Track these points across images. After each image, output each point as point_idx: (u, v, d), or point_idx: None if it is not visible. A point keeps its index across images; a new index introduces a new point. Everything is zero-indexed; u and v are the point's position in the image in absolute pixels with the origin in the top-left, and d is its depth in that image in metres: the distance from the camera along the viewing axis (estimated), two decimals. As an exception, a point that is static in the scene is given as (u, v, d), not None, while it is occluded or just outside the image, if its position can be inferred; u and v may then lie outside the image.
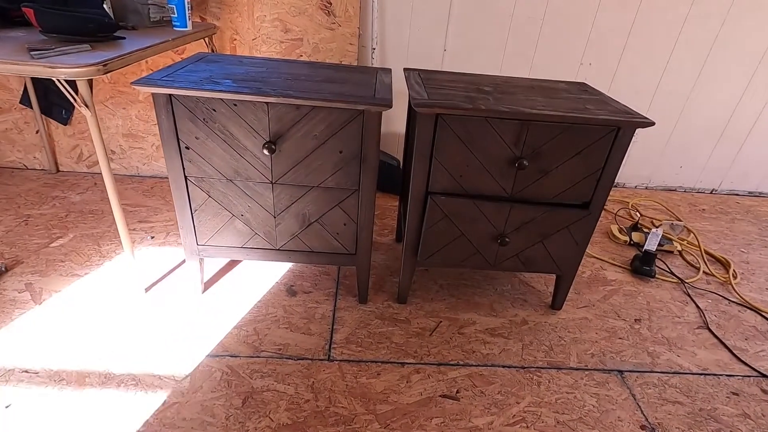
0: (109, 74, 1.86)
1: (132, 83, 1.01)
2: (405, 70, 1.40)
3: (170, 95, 1.05)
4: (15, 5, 1.29)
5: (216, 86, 1.04)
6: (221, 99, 1.06)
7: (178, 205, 1.20)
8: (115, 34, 1.27)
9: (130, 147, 2.00)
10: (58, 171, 2.03)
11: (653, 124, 1.10)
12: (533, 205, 1.22)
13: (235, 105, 1.07)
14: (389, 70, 1.38)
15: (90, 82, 1.01)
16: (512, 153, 1.15)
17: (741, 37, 2.01)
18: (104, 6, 1.41)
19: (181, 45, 1.44)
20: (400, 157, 2.19)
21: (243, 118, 1.08)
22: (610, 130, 1.12)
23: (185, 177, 1.17)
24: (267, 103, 1.06)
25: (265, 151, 1.10)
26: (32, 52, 1.03)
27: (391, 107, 1.05)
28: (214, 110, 1.07)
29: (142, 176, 2.06)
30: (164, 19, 1.57)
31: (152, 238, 1.64)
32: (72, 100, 1.04)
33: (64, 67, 0.99)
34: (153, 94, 1.05)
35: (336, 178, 1.17)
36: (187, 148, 1.12)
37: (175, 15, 1.49)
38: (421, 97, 1.11)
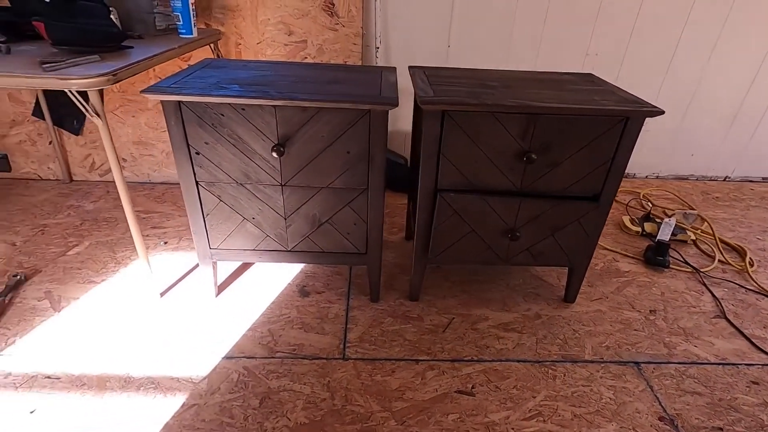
0: (118, 83, 1.88)
1: (141, 92, 1.03)
2: (410, 68, 1.40)
3: (179, 102, 1.07)
4: (25, 19, 1.31)
5: (223, 91, 1.05)
6: (229, 104, 1.07)
7: (190, 210, 1.22)
8: (122, 43, 1.29)
9: (141, 154, 2.03)
10: (71, 180, 2.07)
11: (663, 112, 1.09)
12: (543, 199, 1.22)
13: (243, 109, 1.08)
14: (394, 69, 1.39)
15: (101, 92, 1.03)
16: (520, 147, 1.15)
17: (751, 18, 1.97)
18: (111, 17, 1.44)
19: (187, 52, 1.46)
20: (406, 155, 2.19)
21: (251, 121, 1.09)
22: (618, 120, 1.11)
23: (196, 182, 1.18)
24: (274, 106, 1.07)
25: (274, 154, 1.11)
26: (44, 65, 1.05)
27: (397, 105, 1.05)
28: (223, 115, 1.09)
29: (153, 183, 2.09)
30: (170, 26, 1.59)
31: (165, 243, 1.66)
32: (84, 110, 1.06)
33: (75, 79, 1.01)
34: (162, 102, 1.06)
35: (344, 178, 1.18)
36: (197, 153, 1.14)
37: (181, 22, 1.51)
38: (426, 95, 1.11)
